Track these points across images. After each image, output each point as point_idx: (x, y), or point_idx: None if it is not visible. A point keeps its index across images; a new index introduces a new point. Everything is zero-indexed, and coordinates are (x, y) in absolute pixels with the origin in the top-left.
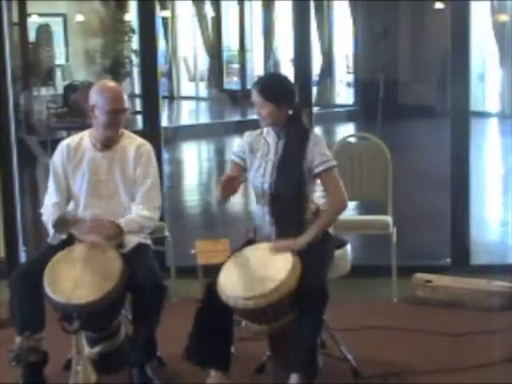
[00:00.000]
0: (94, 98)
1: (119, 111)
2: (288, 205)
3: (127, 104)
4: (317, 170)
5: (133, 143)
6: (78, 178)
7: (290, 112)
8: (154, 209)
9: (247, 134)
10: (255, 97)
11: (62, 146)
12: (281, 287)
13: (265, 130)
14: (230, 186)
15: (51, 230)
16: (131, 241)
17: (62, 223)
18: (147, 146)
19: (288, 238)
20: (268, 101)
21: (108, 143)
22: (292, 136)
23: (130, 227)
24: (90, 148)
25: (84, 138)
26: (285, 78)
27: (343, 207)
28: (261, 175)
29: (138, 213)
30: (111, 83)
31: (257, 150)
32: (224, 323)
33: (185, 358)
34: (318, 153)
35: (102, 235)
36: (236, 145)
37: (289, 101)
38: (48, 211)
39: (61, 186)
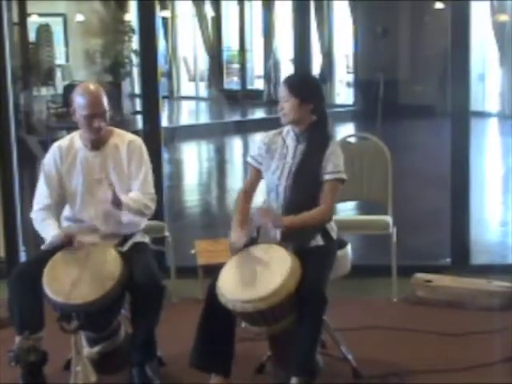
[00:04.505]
0: (74, 101)
1: (96, 115)
2: (300, 211)
3: (106, 106)
4: (325, 178)
5: (123, 140)
6: (73, 178)
7: (314, 117)
8: (151, 199)
9: (265, 134)
10: (282, 90)
11: (54, 148)
12: (280, 290)
13: (285, 130)
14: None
15: (45, 237)
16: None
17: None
18: (138, 142)
19: (293, 242)
20: (292, 94)
21: (97, 144)
22: (313, 142)
23: (130, 204)
24: (81, 148)
25: (75, 139)
26: (314, 79)
27: (323, 223)
28: (277, 178)
29: (139, 195)
30: (91, 86)
31: (274, 150)
32: (227, 325)
33: (189, 364)
34: (332, 162)
35: (100, 234)
36: (255, 146)
37: (313, 100)
38: (40, 217)
39: (53, 188)
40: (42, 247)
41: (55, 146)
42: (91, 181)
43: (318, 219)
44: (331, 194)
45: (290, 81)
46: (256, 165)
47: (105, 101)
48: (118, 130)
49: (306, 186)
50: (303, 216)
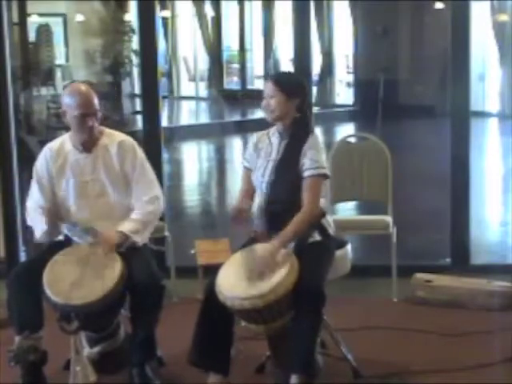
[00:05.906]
0: (65, 102)
1: (87, 115)
2: (284, 207)
3: (97, 106)
4: (304, 174)
5: (114, 140)
6: (62, 181)
7: (298, 114)
8: (152, 199)
9: (254, 134)
10: (268, 87)
11: (45, 149)
12: (278, 288)
13: (271, 130)
14: (240, 216)
15: (38, 232)
16: (144, 236)
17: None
18: (129, 141)
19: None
20: (280, 91)
21: (87, 145)
22: (295, 138)
23: (134, 229)
24: (72, 151)
25: (65, 142)
26: (300, 76)
27: (311, 220)
28: (261, 175)
29: (137, 211)
30: (81, 86)
31: (260, 149)
32: (225, 324)
33: (188, 361)
34: (310, 157)
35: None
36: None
37: (299, 96)
38: (34, 213)
39: (45, 190)
40: (36, 240)
41: (46, 147)
42: (82, 183)
43: (307, 220)
44: (312, 191)
45: (276, 78)
46: (247, 165)
47: (96, 100)
48: (108, 130)
49: (285, 181)
50: (292, 227)
